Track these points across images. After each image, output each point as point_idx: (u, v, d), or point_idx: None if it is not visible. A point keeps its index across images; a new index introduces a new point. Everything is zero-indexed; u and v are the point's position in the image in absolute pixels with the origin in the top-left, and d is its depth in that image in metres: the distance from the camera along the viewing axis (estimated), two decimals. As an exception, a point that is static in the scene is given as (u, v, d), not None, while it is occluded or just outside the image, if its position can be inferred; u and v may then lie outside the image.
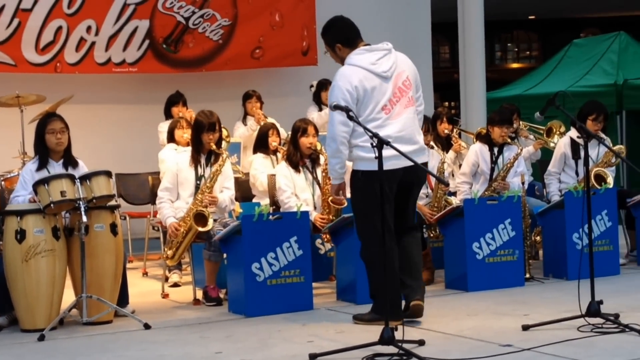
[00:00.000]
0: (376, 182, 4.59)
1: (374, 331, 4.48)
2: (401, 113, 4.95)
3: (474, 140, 7.49)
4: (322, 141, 6.86)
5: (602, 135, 6.99)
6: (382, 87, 4.92)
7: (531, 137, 7.86)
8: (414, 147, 4.94)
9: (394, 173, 4.85)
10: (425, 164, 5.05)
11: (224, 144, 5.93)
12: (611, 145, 7.03)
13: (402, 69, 5.00)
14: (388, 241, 4.76)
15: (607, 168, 7.04)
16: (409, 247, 5.04)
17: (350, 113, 4.66)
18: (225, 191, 6.01)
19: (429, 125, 6.78)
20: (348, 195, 5.23)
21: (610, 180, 6.94)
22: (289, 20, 9.28)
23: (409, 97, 5.00)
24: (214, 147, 5.93)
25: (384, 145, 4.41)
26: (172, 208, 5.95)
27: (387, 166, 4.68)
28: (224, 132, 5.99)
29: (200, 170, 5.96)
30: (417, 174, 4.96)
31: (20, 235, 5.12)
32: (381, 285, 4.85)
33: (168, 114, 7.68)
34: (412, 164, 4.68)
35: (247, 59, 9.16)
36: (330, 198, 6.11)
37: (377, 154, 4.40)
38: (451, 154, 7.41)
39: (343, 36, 5.05)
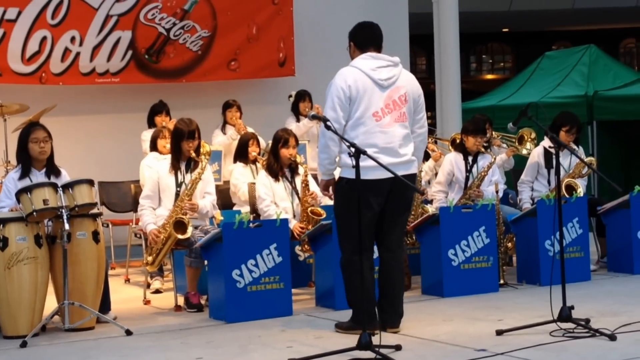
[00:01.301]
0: (361, 190, 4.66)
1: (352, 337, 4.58)
2: (391, 125, 4.98)
3: (449, 147, 7.61)
4: (301, 151, 6.98)
5: (574, 147, 7.13)
6: (376, 94, 4.96)
7: (504, 145, 7.99)
8: (399, 160, 4.94)
9: (380, 184, 4.86)
10: (413, 175, 5.08)
11: (204, 158, 5.97)
12: (583, 156, 7.17)
13: (401, 85, 5.03)
14: (365, 251, 4.85)
15: (578, 179, 7.18)
16: (390, 271, 5.03)
17: (328, 123, 4.77)
18: (206, 196, 6.07)
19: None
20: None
21: (581, 191, 7.07)
22: (265, 32, 9.39)
23: (401, 113, 5.01)
24: (193, 154, 6.00)
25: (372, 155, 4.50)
26: (153, 215, 6.01)
27: (373, 176, 4.78)
28: (206, 147, 6.05)
29: (180, 177, 6.02)
30: (403, 187, 4.93)
31: (3, 242, 5.15)
32: (356, 294, 4.95)
33: (151, 123, 7.74)
34: (398, 174, 4.75)
35: (224, 70, 9.27)
36: (310, 209, 6.22)
37: (367, 161, 4.49)
38: (431, 162, 7.54)
39: (358, 38, 5.11)
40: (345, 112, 4.93)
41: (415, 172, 5.16)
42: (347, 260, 5.02)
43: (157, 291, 6.62)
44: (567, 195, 6.87)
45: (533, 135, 7.81)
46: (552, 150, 5.24)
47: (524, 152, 7.75)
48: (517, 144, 7.92)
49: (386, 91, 4.99)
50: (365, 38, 5.10)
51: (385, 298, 5.03)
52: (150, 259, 5.96)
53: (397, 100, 5.01)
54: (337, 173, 5.15)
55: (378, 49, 5.09)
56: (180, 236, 5.77)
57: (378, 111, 4.96)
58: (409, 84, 5.09)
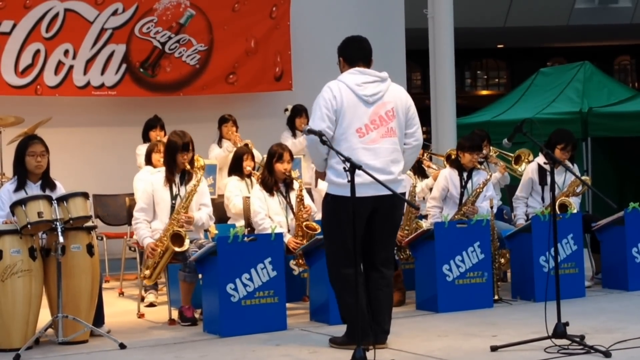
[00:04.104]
0: (343, 208, 4.71)
1: (346, 352, 4.57)
2: (376, 141, 4.96)
3: (444, 162, 7.63)
4: (296, 166, 6.99)
5: (569, 164, 7.14)
6: (360, 110, 4.94)
7: (500, 163, 8.01)
8: (387, 177, 4.87)
9: (362, 201, 4.77)
10: (402, 195, 5.04)
11: (199, 171, 5.98)
12: (578, 174, 7.17)
13: (388, 100, 5.00)
14: (348, 267, 4.85)
15: (572, 197, 7.19)
16: (375, 289, 5.00)
17: (324, 137, 4.79)
18: (202, 209, 6.07)
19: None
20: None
21: (575, 210, 7.07)
22: (263, 46, 9.43)
23: (389, 128, 4.98)
24: (188, 166, 6.00)
25: (356, 171, 4.50)
26: (149, 228, 6.00)
27: (356, 193, 4.79)
28: (200, 162, 6.05)
29: (175, 190, 6.02)
30: (387, 204, 4.91)
31: (-3, 255, 5.15)
32: (347, 310, 4.96)
33: (146, 137, 7.76)
34: (382, 193, 4.74)
35: (222, 84, 9.29)
36: (305, 224, 6.22)
37: (349, 178, 4.49)
38: (430, 180, 7.54)
39: (347, 53, 5.11)
40: (333, 124, 4.93)
41: (404, 191, 5.10)
42: (330, 275, 5.04)
43: (151, 305, 6.60)
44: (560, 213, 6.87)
45: (531, 157, 7.81)
46: (547, 167, 5.25)
47: (518, 172, 7.75)
48: (513, 163, 7.92)
49: (372, 107, 4.97)
50: (354, 53, 5.09)
51: (372, 315, 5.00)
52: (147, 272, 5.94)
53: (383, 116, 4.99)
54: (324, 188, 5.17)
55: (366, 63, 5.08)
56: (177, 249, 5.76)
57: (362, 127, 4.94)
58: (397, 97, 5.05)
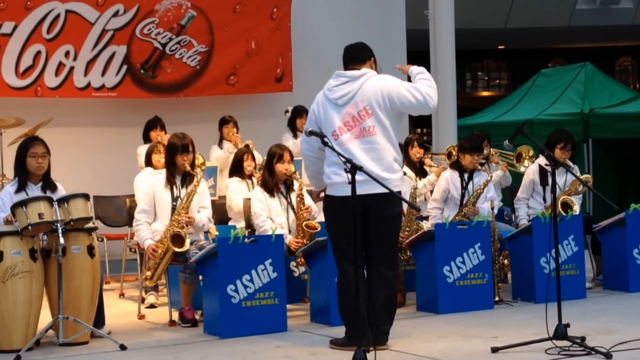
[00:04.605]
0: (333, 207, 4.87)
1: (347, 353, 4.57)
2: (350, 141, 4.94)
3: (445, 159, 7.62)
4: (298, 166, 6.99)
5: (570, 164, 7.14)
6: (333, 113, 5.00)
7: (501, 163, 8.01)
8: (364, 178, 4.74)
9: (347, 201, 4.66)
10: (385, 195, 4.89)
11: (199, 171, 5.99)
12: (579, 173, 7.18)
13: (360, 99, 4.96)
14: (348, 267, 4.90)
15: (573, 196, 7.19)
16: (373, 290, 4.98)
17: (325, 139, 4.81)
18: (202, 210, 6.08)
19: (401, 151, 6.90)
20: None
21: (577, 208, 7.07)
22: (264, 47, 9.43)
23: (362, 128, 4.94)
24: (188, 168, 6.00)
25: (345, 172, 4.50)
26: (149, 230, 6.00)
27: (342, 193, 4.83)
28: (200, 159, 6.07)
29: (176, 192, 6.02)
30: (377, 202, 4.90)
31: (-2, 256, 5.16)
32: (347, 310, 4.97)
33: (146, 138, 7.77)
34: (370, 192, 4.78)
35: (222, 85, 9.30)
36: (305, 223, 6.23)
37: (349, 180, 4.49)
38: (432, 177, 7.50)
39: (343, 58, 5.19)
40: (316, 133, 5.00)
41: (396, 190, 4.96)
42: (339, 274, 5.07)
43: (152, 306, 6.61)
44: (563, 213, 6.88)
45: (531, 152, 7.81)
46: (548, 168, 5.26)
47: (522, 169, 7.75)
48: (515, 161, 7.93)
49: (343, 109, 5.00)
50: (344, 59, 5.19)
51: (369, 316, 4.99)
52: (149, 274, 5.95)
53: (356, 117, 4.98)
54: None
55: (346, 67, 5.12)
56: (178, 249, 5.76)
57: (335, 130, 5.00)
58: (372, 91, 4.96)
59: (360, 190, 4.64)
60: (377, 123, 4.98)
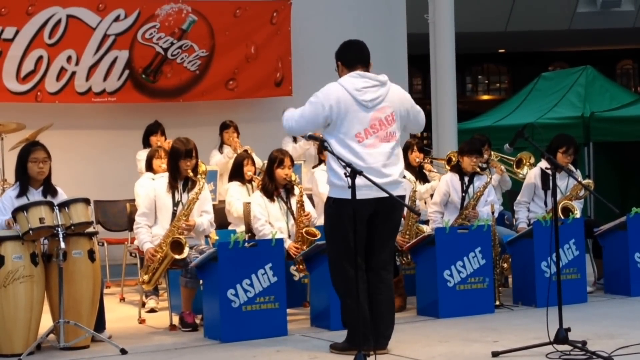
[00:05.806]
0: (345, 210, 4.73)
1: (347, 357, 4.57)
2: (376, 145, 4.98)
3: (445, 165, 7.62)
4: (296, 171, 7.00)
5: (572, 168, 7.14)
6: (359, 115, 4.95)
7: (502, 167, 8.01)
8: (384, 180, 4.88)
9: (364, 203, 4.81)
10: (402, 197, 5.05)
11: (201, 178, 5.99)
12: (580, 178, 7.17)
13: (388, 105, 5.01)
14: (350, 270, 4.85)
15: (574, 200, 7.19)
16: (376, 293, 5.00)
17: (325, 143, 4.81)
18: (204, 215, 6.08)
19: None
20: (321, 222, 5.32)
21: (578, 213, 7.07)
22: (264, 52, 9.45)
23: (389, 133, 5.00)
24: (190, 173, 6.01)
25: (360, 175, 4.51)
26: (149, 233, 6.00)
27: (357, 195, 4.78)
28: (202, 167, 6.07)
29: (177, 197, 6.02)
30: (388, 206, 4.92)
31: (-1, 261, 5.16)
32: (349, 314, 4.96)
33: (146, 143, 7.78)
34: (382, 196, 4.74)
35: (222, 89, 9.32)
36: (304, 229, 6.22)
37: (349, 183, 4.51)
38: (435, 183, 7.48)
39: (345, 57, 5.11)
40: (312, 127, 4.98)
41: (403, 193, 5.12)
42: (333, 279, 5.05)
43: (152, 310, 6.61)
44: (563, 217, 6.87)
45: (532, 159, 7.81)
46: (549, 172, 5.25)
47: (520, 176, 7.75)
48: (515, 167, 7.92)
49: (371, 112, 4.98)
50: (353, 56, 5.10)
51: (373, 319, 5.00)
52: (146, 277, 5.96)
53: (383, 121, 5.00)
54: (325, 192, 5.20)
55: (365, 67, 5.07)
56: (176, 256, 5.77)
57: (361, 132, 4.96)
58: (397, 100, 5.06)
59: (374, 193, 4.72)
60: (397, 130, 5.07)
